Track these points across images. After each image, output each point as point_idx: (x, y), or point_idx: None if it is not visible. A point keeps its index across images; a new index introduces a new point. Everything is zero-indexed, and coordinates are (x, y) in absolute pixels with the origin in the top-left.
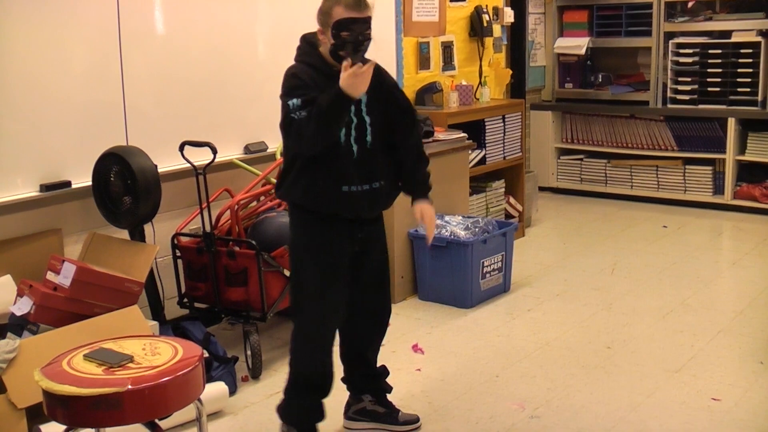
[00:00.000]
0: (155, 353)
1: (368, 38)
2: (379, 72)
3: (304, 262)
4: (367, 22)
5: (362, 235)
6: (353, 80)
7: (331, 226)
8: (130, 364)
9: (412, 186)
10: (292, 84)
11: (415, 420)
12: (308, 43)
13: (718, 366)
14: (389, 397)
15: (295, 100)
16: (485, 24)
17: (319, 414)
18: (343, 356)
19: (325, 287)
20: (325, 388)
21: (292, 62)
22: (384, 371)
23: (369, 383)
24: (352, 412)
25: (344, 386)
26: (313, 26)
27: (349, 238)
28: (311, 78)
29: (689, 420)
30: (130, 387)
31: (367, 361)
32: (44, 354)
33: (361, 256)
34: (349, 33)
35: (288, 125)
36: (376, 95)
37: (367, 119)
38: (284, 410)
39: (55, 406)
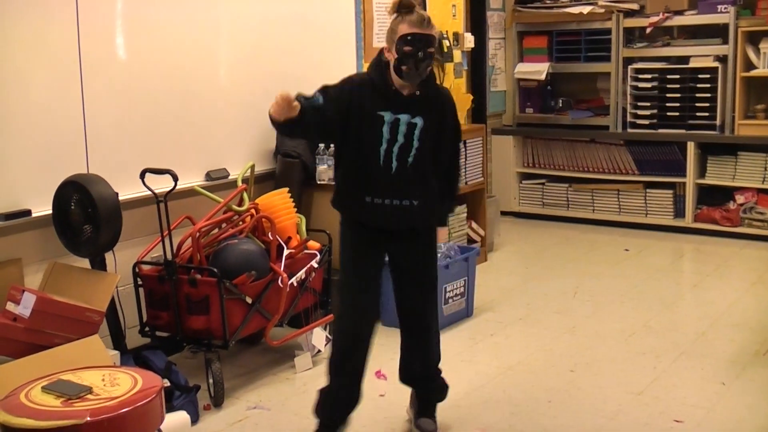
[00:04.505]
0: (114, 384)
1: (429, 55)
2: (444, 102)
3: (343, 249)
4: (429, 39)
5: (392, 249)
6: (273, 107)
7: (361, 228)
8: (89, 396)
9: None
10: (339, 84)
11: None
12: (380, 57)
13: (681, 387)
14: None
15: (319, 95)
16: (446, 49)
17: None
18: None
19: (351, 274)
20: (360, 351)
21: (252, 88)
22: (433, 380)
23: (414, 383)
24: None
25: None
26: (273, 54)
27: (375, 245)
28: (357, 91)
29: None
30: (88, 419)
31: (415, 366)
32: (3, 387)
33: (396, 265)
34: (412, 48)
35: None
36: (435, 123)
37: (416, 144)
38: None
39: None
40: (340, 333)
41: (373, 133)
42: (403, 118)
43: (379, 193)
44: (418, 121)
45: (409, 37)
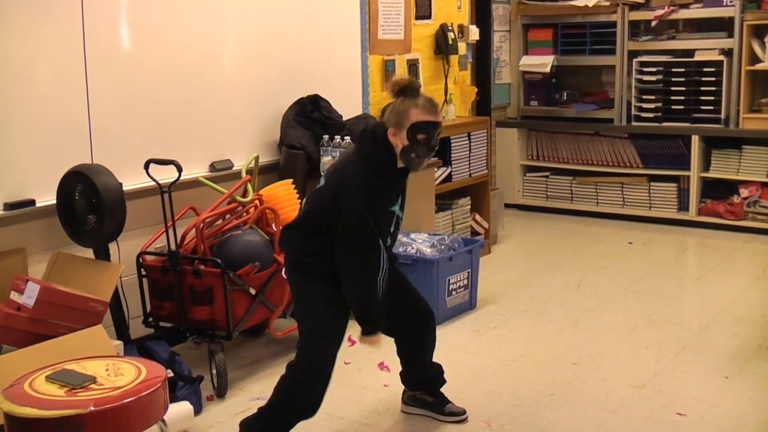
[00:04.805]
0: (118, 374)
1: (438, 142)
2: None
3: (313, 299)
4: (439, 126)
5: None
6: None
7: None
8: (93, 386)
9: None
10: (372, 197)
11: (460, 413)
12: (382, 143)
13: (684, 381)
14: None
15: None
16: (450, 42)
17: None
18: (401, 359)
19: (331, 323)
20: (311, 413)
21: (257, 80)
22: (437, 372)
23: (422, 385)
24: (406, 397)
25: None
26: (278, 45)
27: None
28: (379, 195)
29: None
30: (92, 408)
31: (420, 367)
32: (7, 376)
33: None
34: (425, 136)
35: (363, 236)
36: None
37: (400, 214)
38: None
39: (17, 429)
40: (308, 390)
41: (384, 226)
42: (400, 199)
43: None
44: (402, 194)
45: (424, 125)
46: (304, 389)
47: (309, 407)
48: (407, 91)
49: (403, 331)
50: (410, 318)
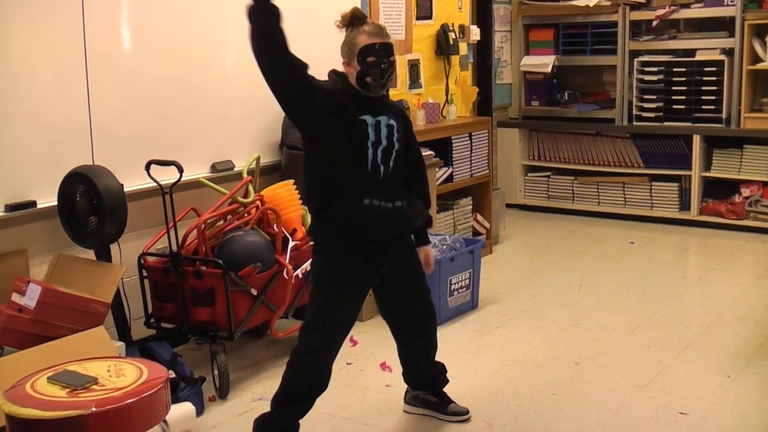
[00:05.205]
0: (120, 375)
1: (391, 64)
2: (398, 104)
3: (321, 284)
4: (389, 47)
5: (386, 268)
6: None
7: (352, 258)
8: (95, 387)
9: (417, 233)
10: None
11: (463, 412)
12: (338, 74)
13: (686, 380)
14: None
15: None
16: (451, 42)
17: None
18: (402, 362)
19: (331, 310)
20: (313, 397)
21: (257, 80)
22: (440, 371)
23: (425, 385)
24: (408, 397)
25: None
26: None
27: (368, 271)
28: (335, 95)
29: None
30: (94, 409)
31: (422, 367)
32: (8, 377)
33: (387, 282)
34: (375, 58)
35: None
36: (401, 124)
37: (396, 145)
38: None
39: (18, 430)
40: (304, 375)
41: (359, 137)
42: (383, 120)
43: (375, 196)
44: (394, 122)
45: (371, 48)
46: (304, 374)
47: (311, 389)
48: (354, 20)
49: (404, 331)
50: (411, 319)
